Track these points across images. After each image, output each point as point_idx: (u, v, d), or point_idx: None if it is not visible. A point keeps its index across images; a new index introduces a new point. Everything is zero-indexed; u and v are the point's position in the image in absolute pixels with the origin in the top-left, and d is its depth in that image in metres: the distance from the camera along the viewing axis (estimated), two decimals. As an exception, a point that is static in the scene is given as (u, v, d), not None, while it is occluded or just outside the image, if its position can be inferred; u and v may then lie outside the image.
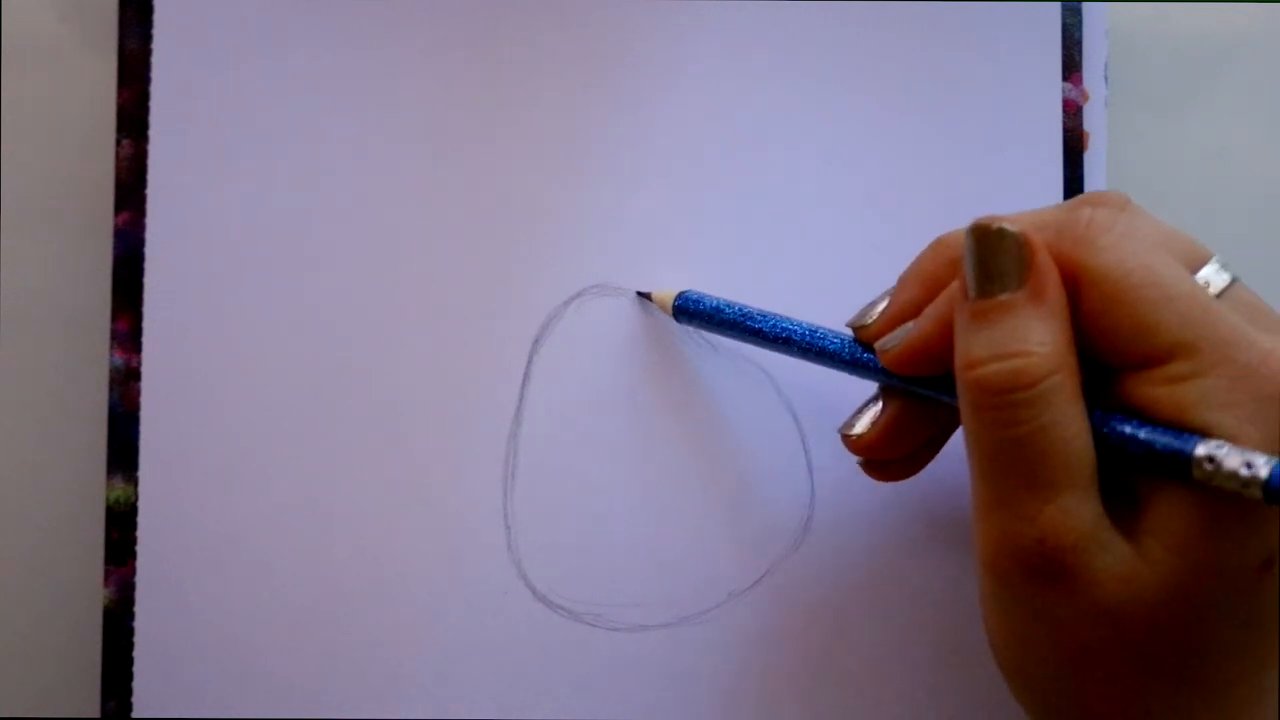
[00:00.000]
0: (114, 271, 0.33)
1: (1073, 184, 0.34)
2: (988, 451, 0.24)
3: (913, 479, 0.33)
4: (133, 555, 0.32)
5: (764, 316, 0.30)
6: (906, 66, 0.34)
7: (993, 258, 0.24)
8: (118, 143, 0.33)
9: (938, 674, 0.33)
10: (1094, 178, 0.34)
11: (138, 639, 0.32)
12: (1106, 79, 0.35)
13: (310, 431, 0.33)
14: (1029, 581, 0.24)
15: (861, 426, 0.29)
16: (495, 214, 0.34)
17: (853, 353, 0.29)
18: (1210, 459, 0.22)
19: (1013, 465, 0.24)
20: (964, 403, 0.24)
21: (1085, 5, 0.34)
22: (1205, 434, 0.22)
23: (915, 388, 0.27)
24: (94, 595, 0.33)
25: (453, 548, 0.33)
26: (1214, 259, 0.25)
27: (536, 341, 0.33)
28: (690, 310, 0.32)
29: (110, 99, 0.33)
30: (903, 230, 0.34)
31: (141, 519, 0.32)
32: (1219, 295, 0.25)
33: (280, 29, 0.34)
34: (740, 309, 0.31)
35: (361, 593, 0.33)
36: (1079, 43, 0.34)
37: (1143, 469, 0.23)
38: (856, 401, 0.31)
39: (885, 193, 0.34)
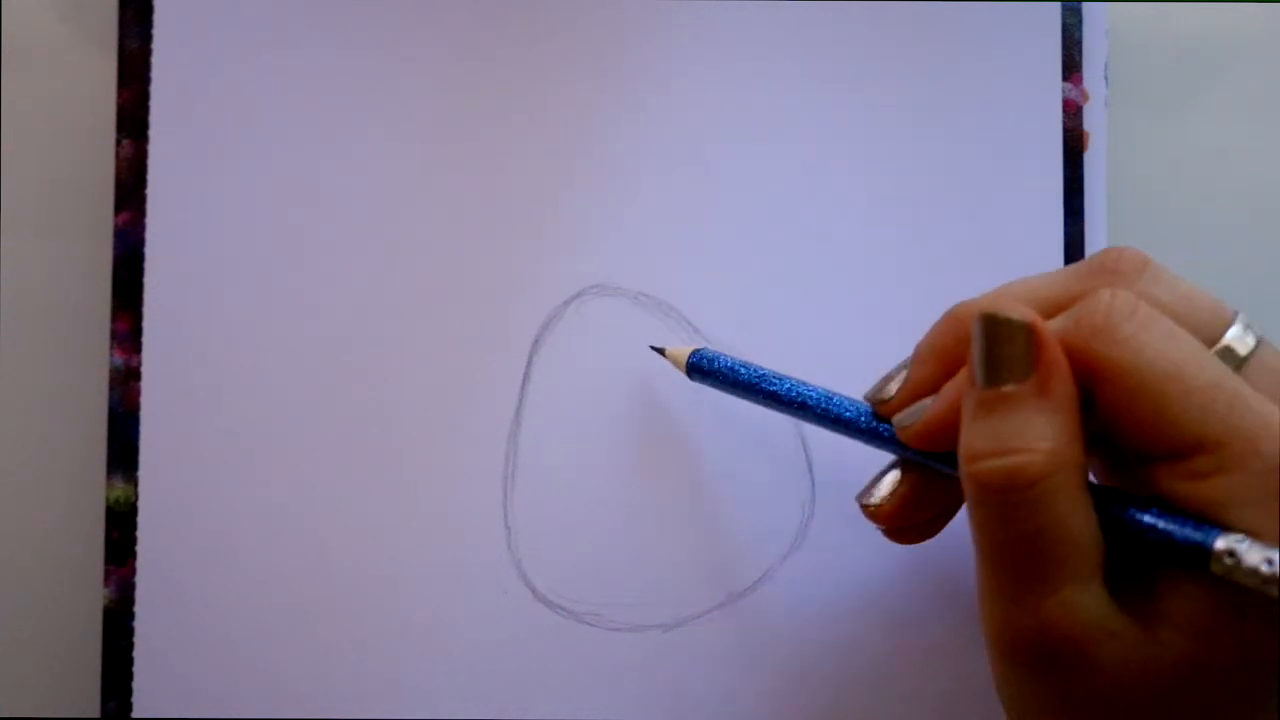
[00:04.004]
0: (114, 271, 0.33)
1: (1073, 184, 0.34)
2: (987, 544, 0.24)
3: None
4: (133, 555, 0.32)
5: (780, 380, 0.30)
6: (906, 66, 0.34)
7: (999, 347, 0.23)
8: (118, 143, 0.33)
9: (937, 673, 0.33)
10: (1094, 178, 0.34)
11: (138, 639, 0.32)
12: (1106, 79, 0.35)
13: (310, 431, 0.33)
14: (1035, 667, 0.23)
15: (879, 496, 0.28)
16: (495, 214, 0.34)
17: (869, 424, 0.28)
18: (1230, 553, 0.22)
19: (1012, 561, 0.23)
20: (965, 493, 0.24)
21: (1085, 5, 0.34)
22: (1228, 529, 0.22)
23: (933, 463, 0.27)
24: (94, 595, 0.33)
25: (453, 548, 0.33)
26: (1238, 319, 0.25)
27: (536, 341, 0.33)
28: (705, 369, 0.31)
29: (110, 99, 0.33)
30: (902, 230, 0.34)
31: (141, 519, 0.32)
32: (1245, 360, 0.25)
33: (280, 29, 0.34)
34: (756, 370, 0.30)
35: (361, 593, 0.33)
36: (1079, 43, 0.34)
37: (1162, 558, 0.23)
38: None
39: (885, 192, 0.34)
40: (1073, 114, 0.34)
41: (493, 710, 0.32)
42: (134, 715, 0.32)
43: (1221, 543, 0.22)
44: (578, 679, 0.32)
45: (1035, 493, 0.23)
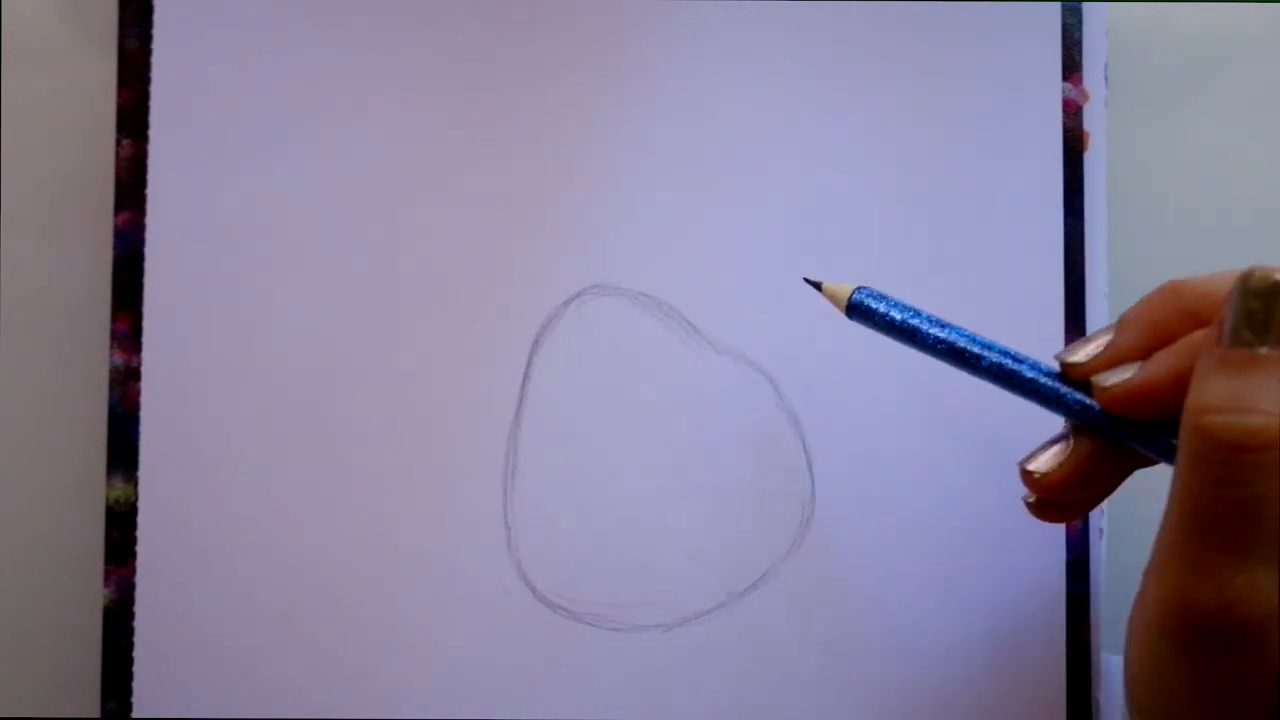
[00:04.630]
0: (114, 271, 0.33)
1: (1073, 184, 0.34)
2: (1193, 505, 0.23)
3: (914, 475, 0.33)
4: (133, 555, 0.32)
5: (956, 330, 0.28)
6: (907, 66, 0.34)
7: (1260, 309, 0.23)
8: (118, 143, 0.33)
9: (938, 673, 0.33)
10: (1094, 178, 0.34)
11: (138, 639, 0.32)
12: (1106, 79, 0.35)
13: (310, 431, 0.33)
14: (1202, 647, 0.23)
15: (1047, 464, 0.27)
16: (495, 214, 0.34)
17: (1051, 384, 0.27)
18: None
19: (1216, 526, 0.23)
20: (1185, 449, 0.23)
21: (1085, 5, 0.34)
22: None
23: (1118, 432, 0.26)
24: (94, 595, 0.33)
25: (453, 548, 0.33)
26: None
27: (536, 341, 0.33)
28: (866, 310, 0.29)
29: (110, 99, 0.33)
30: (903, 230, 0.34)
31: (141, 519, 0.32)
32: None
33: (280, 29, 0.34)
34: (928, 317, 0.28)
35: (361, 593, 0.33)
36: (1079, 43, 0.34)
37: None
38: (855, 404, 0.31)
39: (885, 192, 0.34)
40: (1073, 114, 0.34)
41: (493, 710, 0.32)
42: (134, 715, 0.32)
43: None
44: (578, 679, 0.32)
45: (1266, 458, 0.22)
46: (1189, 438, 0.23)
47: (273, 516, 0.33)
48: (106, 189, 0.33)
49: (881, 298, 0.29)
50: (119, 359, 0.33)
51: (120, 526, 0.32)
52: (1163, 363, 0.26)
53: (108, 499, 0.32)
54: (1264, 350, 0.23)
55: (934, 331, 0.28)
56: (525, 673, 0.32)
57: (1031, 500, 0.29)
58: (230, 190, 0.33)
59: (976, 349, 0.28)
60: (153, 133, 0.33)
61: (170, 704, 0.32)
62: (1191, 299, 0.26)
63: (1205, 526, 0.23)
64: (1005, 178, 0.34)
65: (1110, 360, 0.27)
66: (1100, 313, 0.34)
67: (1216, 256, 0.37)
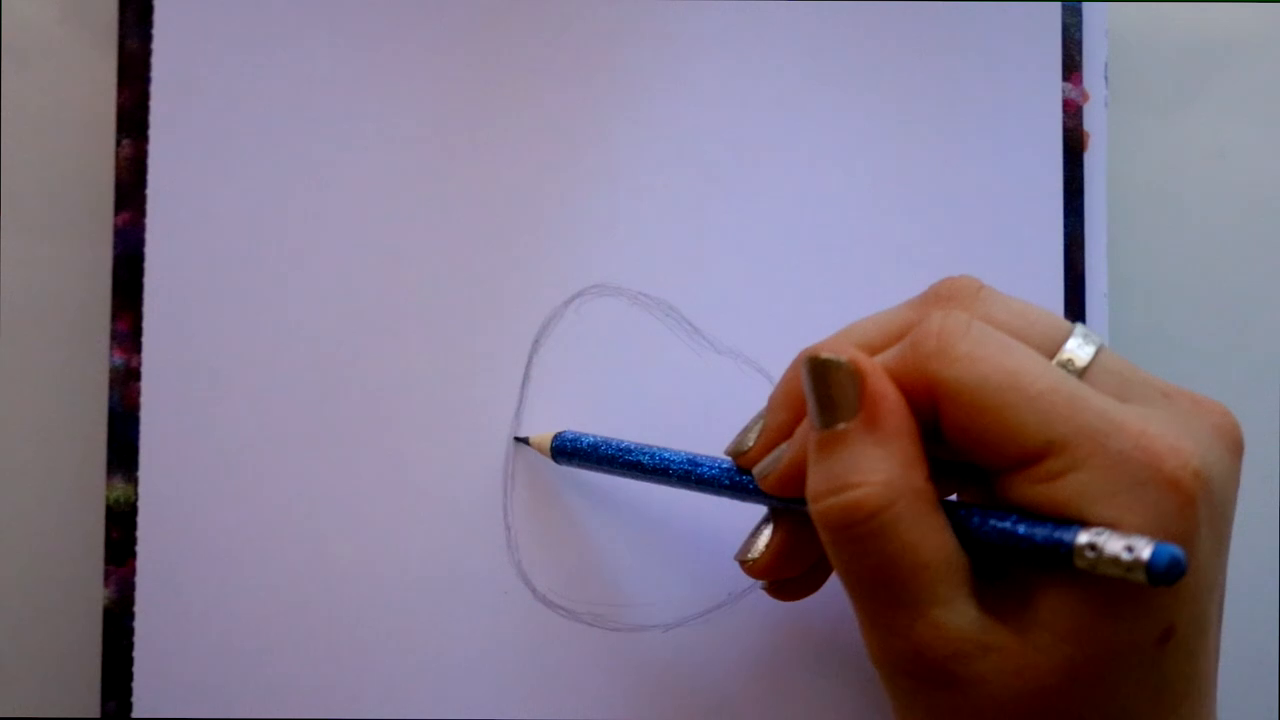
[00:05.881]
0: (114, 271, 0.33)
1: (1073, 184, 0.34)
2: (847, 577, 0.24)
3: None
4: (133, 555, 0.32)
5: (641, 450, 0.30)
6: (907, 66, 0.34)
7: (826, 388, 0.24)
8: (118, 143, 0.33)
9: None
10: (1094, 178, 0.34)
11: (138, 639, 0.32)
12: (1106, 79, 0.35)
13: (310, 431, 0.33)
14: (918, 688, 0.24)
15: (755, 551, 0.28)
16: (495, 214, 0.34)
17: (733, 479, 0.28)
18: (1092, 547, 0.22)
19: (874, 590, 0.24)
20: (818, 532, 0.24)
21: (1085, 5, 0.34)
22: (1087, 525, 0.22)
23: (798, 508, 0.27)
24: (94, 595, 0.33)
25: (453, 548, 0.33)
26: (1076, 331, 0.25)
27: (536, 341, 0.33)
28: (568, 450, 0.31)
29: (110, 99, 0.33)
30: (902, 230, 0.34)
31: (141, 519, 0.32)
32: (1085, 369, 0.24)
33: (281, 29, 0.34)
34: (618, 444, 0.30)
35: (361, 593, 0.33)
36: (1079, 43, 0.34)
37: (1027, 562, 0.23)
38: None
39: (885, 193, 0.34)
40: (1073, 114, 0.34)
41: (493, 710, 0.32)
42: (134, 715, 0.32)
43: (1083, 537, 0.22)
44: (578, 679, 0.32)
45: (876, 524, 0.23)
46: (815, 524, 0.24)
47: (273, 516, 0.33)
48: (106, 189, 0.33)
49: (579, 437, 0.31)
50: (119, 359, 0.33)
51: (120, 526, 0.32)
52: (799, 442, 0.26)
53: (108, 499, 0.32)
54: (842, 426, 0.24)
55: (623, 457, 0.30)
56: (525, 672, 0.32)
57: (763, 586, 0.30)
58: (230, 190, 0.33)
59: (660, 463, 0.29)
60: (153, 133, 0.33)
61: (170, 704, 0.32)
62: None
63: (866, 593, 0.24)
64: (1005, 178, 0.34)
65: (766, 445, 0.27)
66: (1100, 313, 0.34)
67: (1216, 256, 0.37)
